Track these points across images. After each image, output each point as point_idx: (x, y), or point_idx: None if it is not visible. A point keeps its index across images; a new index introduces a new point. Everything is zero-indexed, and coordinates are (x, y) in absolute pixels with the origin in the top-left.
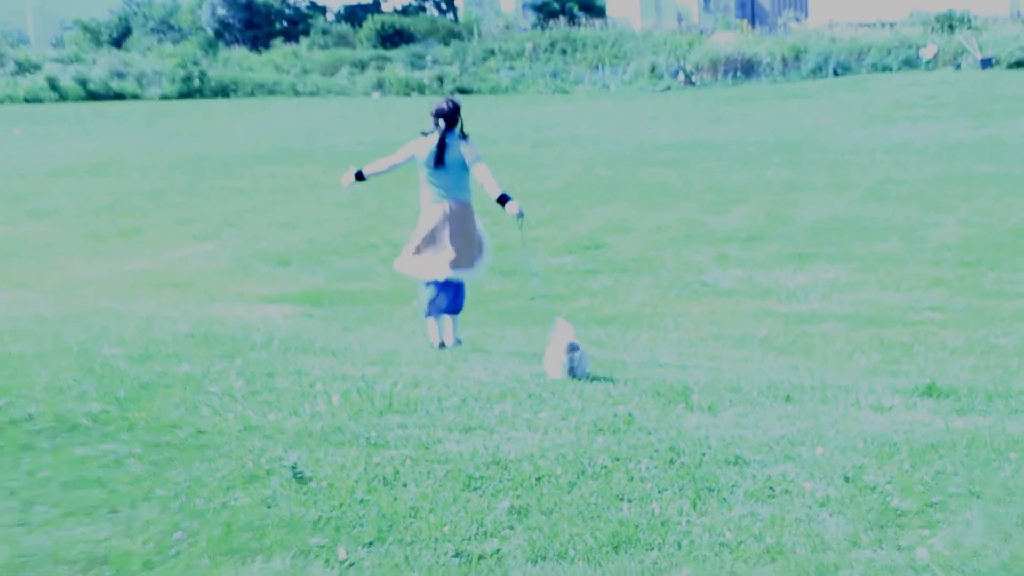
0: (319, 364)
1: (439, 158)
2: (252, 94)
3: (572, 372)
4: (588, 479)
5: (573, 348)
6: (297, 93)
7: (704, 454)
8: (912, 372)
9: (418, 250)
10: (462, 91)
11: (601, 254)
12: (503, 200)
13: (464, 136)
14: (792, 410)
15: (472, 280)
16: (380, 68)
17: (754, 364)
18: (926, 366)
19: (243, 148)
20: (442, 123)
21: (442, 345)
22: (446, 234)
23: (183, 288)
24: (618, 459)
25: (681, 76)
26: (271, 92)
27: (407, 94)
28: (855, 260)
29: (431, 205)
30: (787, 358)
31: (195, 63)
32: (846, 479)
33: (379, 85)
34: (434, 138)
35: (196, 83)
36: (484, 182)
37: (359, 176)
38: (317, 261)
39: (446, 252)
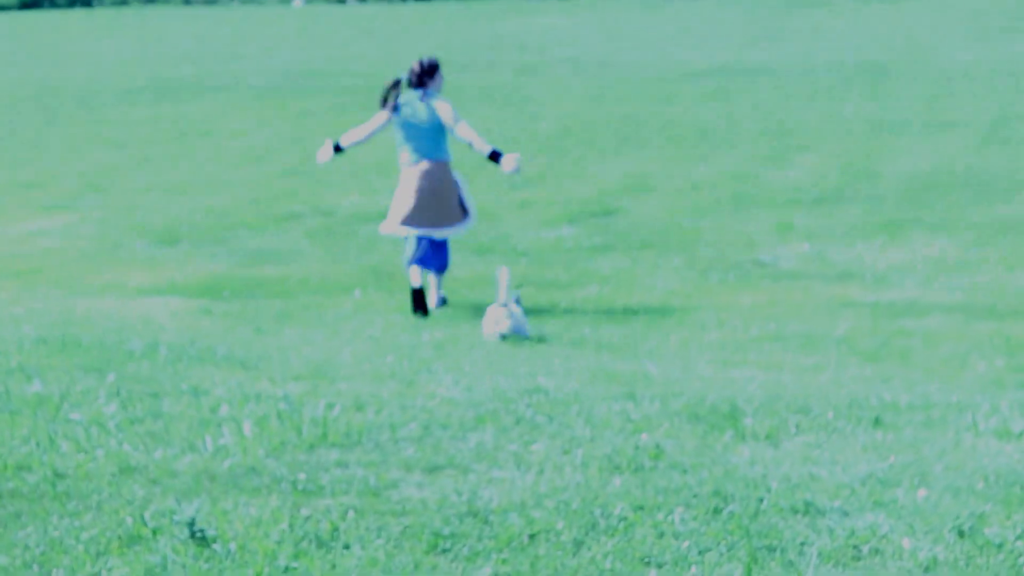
0: (223, 380)
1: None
2: (122, 2)
3: (516, 329)
4: (601, 536)
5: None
6: (187, 1)
7: (762, 500)
8: None
9: (404, 216)
10: None
11: (614, 224)
12: (495, 157)
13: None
14: (883, 438)
15: (457, 236)
16: None
17: (829, 374)
18: None
19: (110, 80)
20: (411, 82)
21: (420, 293)
22: (428, 194)
23: (29, 277)
24: (642, 508)
25: None
26: (149, 0)
27: (341, 1)
28: (968, 230)
29: (410, 167)
30: (876, 366)
31: None
32: (960, 534)
33: None
34: (407, 97)
35: None
36: (470, 140)
37: (337, 149)
38: (217, 238)
39: (430, 211)
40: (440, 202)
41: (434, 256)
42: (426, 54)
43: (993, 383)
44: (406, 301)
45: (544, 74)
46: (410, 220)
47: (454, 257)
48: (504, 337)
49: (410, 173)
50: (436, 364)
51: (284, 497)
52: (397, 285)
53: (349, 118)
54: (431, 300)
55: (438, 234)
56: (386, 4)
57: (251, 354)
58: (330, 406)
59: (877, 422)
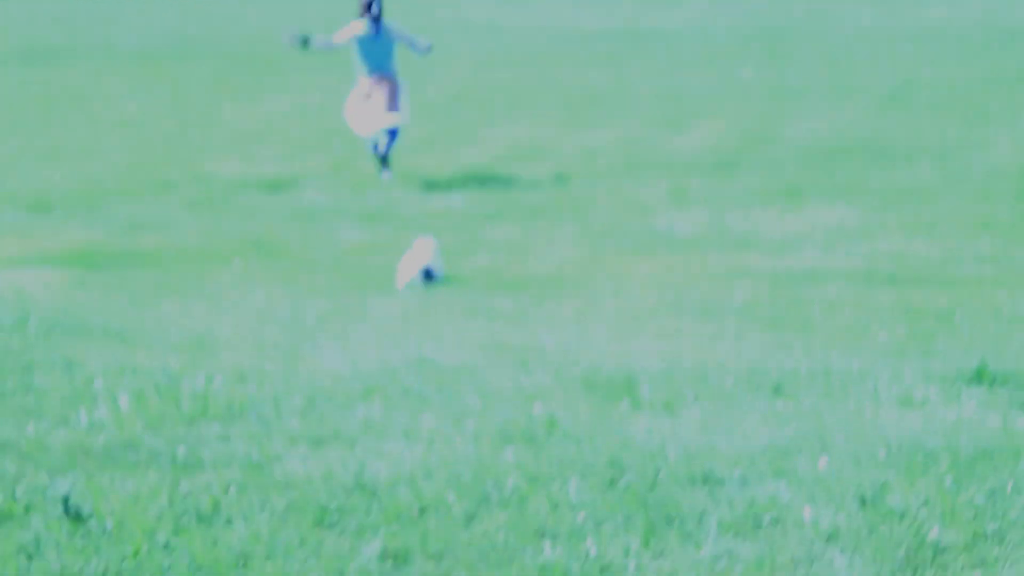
0: (98, 353)
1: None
2: None
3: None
4: (494, 509)
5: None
6: None
7: (659, 471)
8: (953, 351)
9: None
10: None
11: (505, 191)
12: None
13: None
14: (784, 407)
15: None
16: None
17: (728, 343)
18: (973, 342)
19: None
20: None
21: (376, 149)
22: (379, 94)
23: None
24: (536, 480)
25: None
26: None
27: None
28: (869, 195)
29: (366, 77)
30: (775, 334)
31: None
32: (863, 502)
33: None
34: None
35: None
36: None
37: (305, 42)
38: (91, 206)
39: (379, 105)
40: (388, 98)
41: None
42: (308, 17)
43: (894, 351)
44: (289, 271)
45: (430, 37)
46: (368, 118)
47: (340, 226)
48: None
49: (366, 81)
50: (320, 335)
51: (163, 472)
52: (279, 255)
53: (228, 84)
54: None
55: (389, 121)
56: None
57: (127, 326)
58: (210, 379)
59: (777, 390)
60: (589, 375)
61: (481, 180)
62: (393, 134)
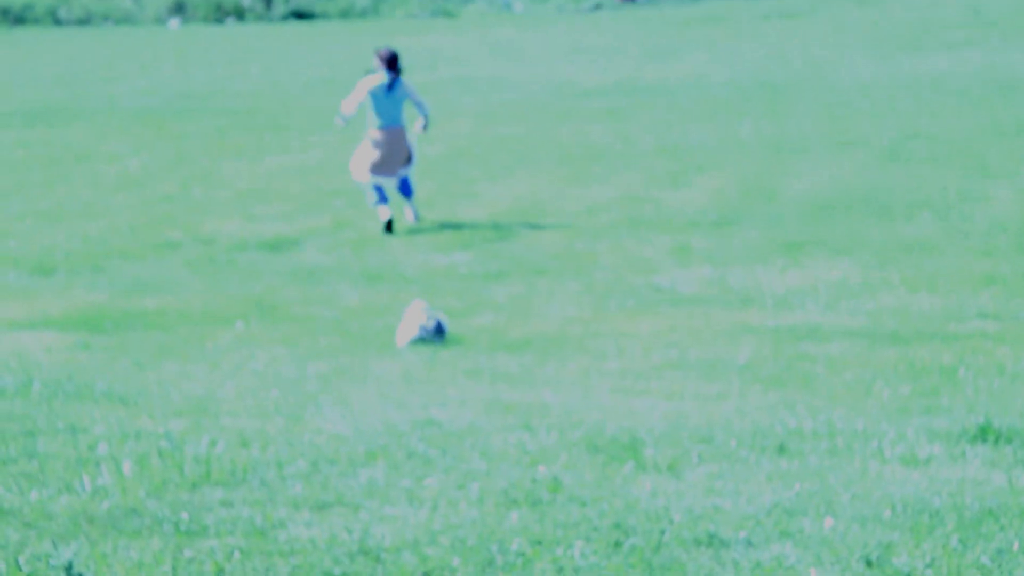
0: (102, 417)
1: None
2: None
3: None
4: (499, 573)
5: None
6: (58, 22)
7: (664, 532)
8: (958, 408)
9: (372, 165)
10: (300, 15)
11: (508, 249)
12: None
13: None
14: (788, 466)
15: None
16: None
17: (732, 402)
18: (977, 399)
19: None
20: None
21: (390, 226)
22: (392, 149)
23: None
24: (540, 543)
25: None
26: (19, 20)
27: (219, 21)
28: (870, 250)
29: (377, 130)
30: (779, 392)
31: None
32: (868, 563)
33: (178, 9)
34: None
35: None
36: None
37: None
38: (94, 267)
39: (392, 161)
40: (401, 153)
41: (403, 186)
42: (309, 73)
43: (898, 410)
44: (290, 332)
45: (432, 94)
46: (380, 170)
47: (342, 286)
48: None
49: (378, 135)
50: (323, 398)
51: (166, 539)
52: (280, 316)
53: (229, 140)
54: (408, 216)
55: (401, 173)
56: (266, 24)
57: (130, 390)
58: (213, 443)
59: (781, 450)
60: (593, 436)
61: (483, 238)
62: (407, 183)
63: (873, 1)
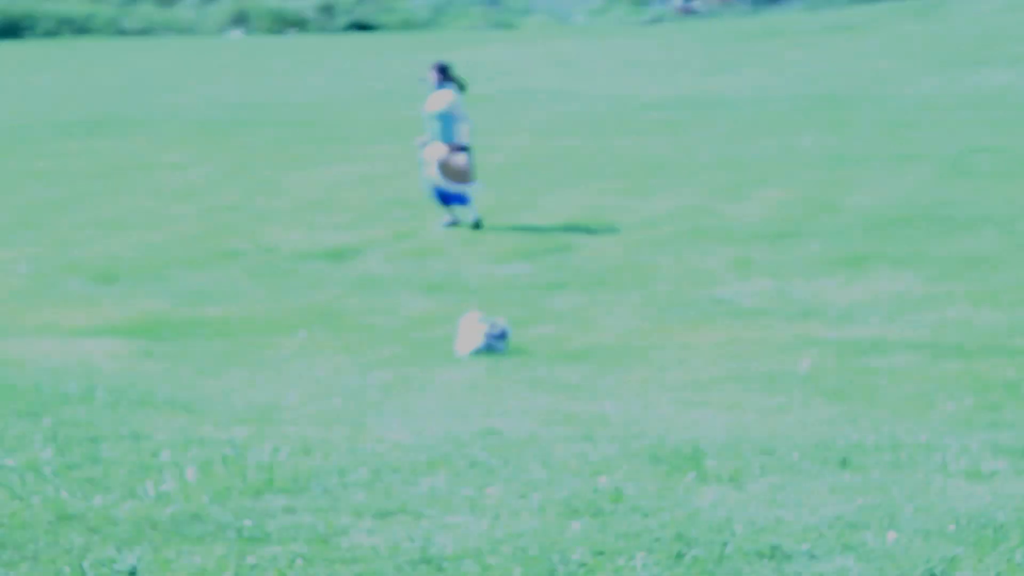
0: (165, 424)
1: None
2: (54, 34)
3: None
4: None
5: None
6: (120, 32)
7: (726, 544)
8: (1022, 422)
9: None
10: (361, 26)
11: (568, 260)
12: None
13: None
14: (851, 479)
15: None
16: None
17: (794, 415)
18: None
19: (42, 113)
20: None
21: (452, 223)
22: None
23: None
24: (602, 553)
25: (677, 1)
26: (81, 31)
27: (280, 31)
28: (933, 264)
29: (443, 144)
30: (841, 405)
31: None
32: None
33: (240, 19)
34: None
35: None
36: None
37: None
38: (156, 276)
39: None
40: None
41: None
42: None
43: (962, 423)
44: (352, 341)
45: (492, 106)
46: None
47: (404, 296)
48: (482, 349)
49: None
50: (385, 406)
51: (229, 545)
52: (342, 325)
53: (291, 150)
54: (469, 216)
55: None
56: (327, 35)
57: (193, 397)
58: (276, 450)
59: (844, 463)
60: (655, 447)
61: (543, 249)
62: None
63: (935, 14)
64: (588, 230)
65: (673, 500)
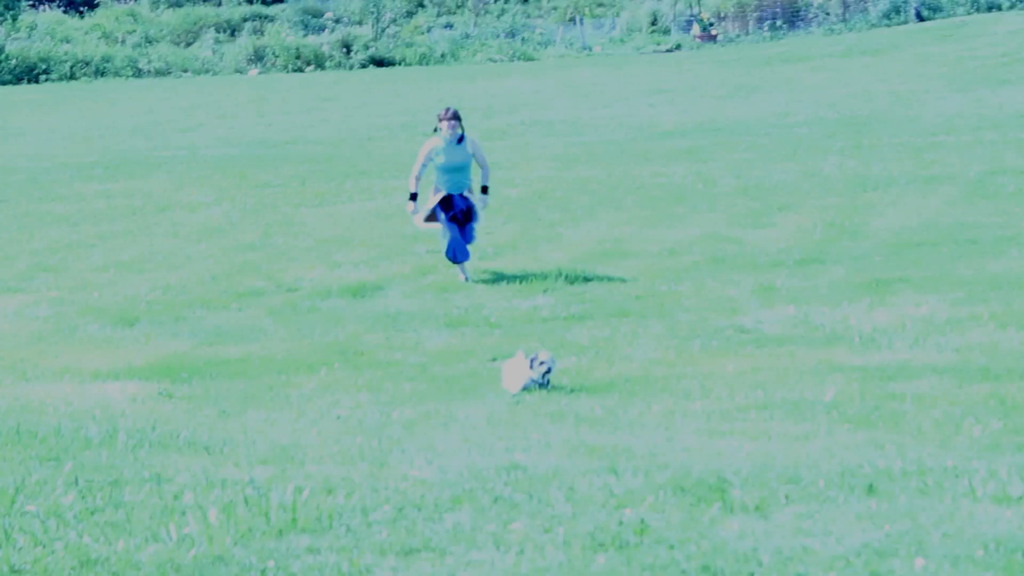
0: (186, 466)
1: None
2: (72, 76)
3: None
4: None
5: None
6: (138, 72)
7: (753, 574)
8: None
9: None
10: (379, 62)
11: (590, 291)
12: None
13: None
14: (878, 507)
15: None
16: (258, 33)
17: (819, 442)
18: None
19: (60, 155)
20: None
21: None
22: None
23: None
24: None
25: (696, 29)
26: (100, 72)
27: (299, 69)
28: (958, 287)
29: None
30: (867, 432)
31: None
32: None
33: (258, 57)
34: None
35: None
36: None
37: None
38: (176, 317)
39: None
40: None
41: (468, 234)
42: (396, 117)
43: (989, 447)
44: (374, 378)
45: (513, 138)
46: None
47: (425, 331)
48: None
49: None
50: (407, 443)
51: None
52: (364, 362)
53: (310, 188)
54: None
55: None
56: (345, 71)
57: (215, 438)
58: (299, 490)
59: (870, 490)
60: (679, 477)
61: (565, 280)
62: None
63: (955, 36)
64: (609, 260)
65: (699, 531)
